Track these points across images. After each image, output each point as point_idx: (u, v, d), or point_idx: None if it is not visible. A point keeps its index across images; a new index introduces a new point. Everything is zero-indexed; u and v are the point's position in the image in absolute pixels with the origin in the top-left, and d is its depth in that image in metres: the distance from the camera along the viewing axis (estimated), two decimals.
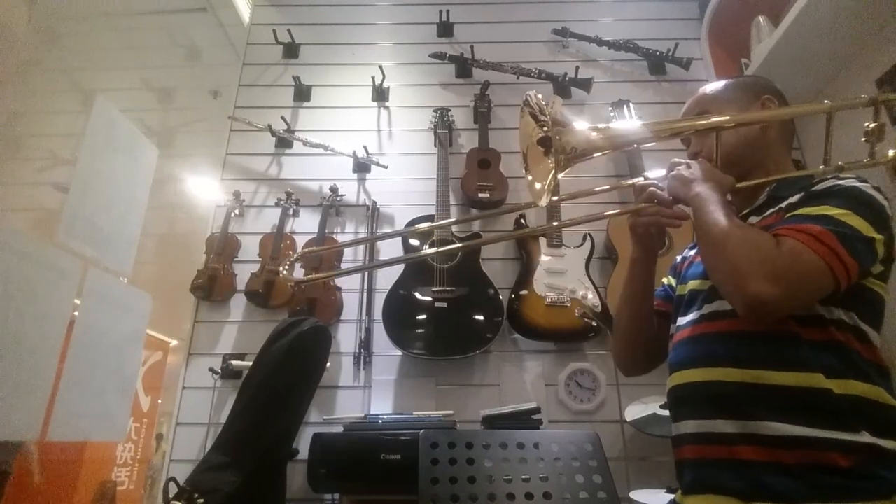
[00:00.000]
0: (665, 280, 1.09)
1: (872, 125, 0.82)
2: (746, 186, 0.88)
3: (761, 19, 2.03)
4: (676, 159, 0.92)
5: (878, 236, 0.74)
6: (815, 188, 0.81)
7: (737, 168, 0.90)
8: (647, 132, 0.90)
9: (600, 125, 0.86)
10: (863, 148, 0.86)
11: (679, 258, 1.07)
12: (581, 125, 0.84)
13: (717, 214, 0.78)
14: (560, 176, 0.80)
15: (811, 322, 0.75)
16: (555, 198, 0.86)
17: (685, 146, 1.02)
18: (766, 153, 0.92)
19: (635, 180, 0.96)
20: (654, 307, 1.04)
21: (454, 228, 2.03)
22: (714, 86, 1.00)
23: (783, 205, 0.84)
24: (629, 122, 0.94)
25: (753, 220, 0.88)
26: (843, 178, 0.80)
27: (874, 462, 0.69)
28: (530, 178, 0.87)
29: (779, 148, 0.94)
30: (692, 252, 1.01)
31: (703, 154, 0.93)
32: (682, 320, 0.92)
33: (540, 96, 0.85)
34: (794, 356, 0.74)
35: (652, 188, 0.91)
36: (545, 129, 0.80)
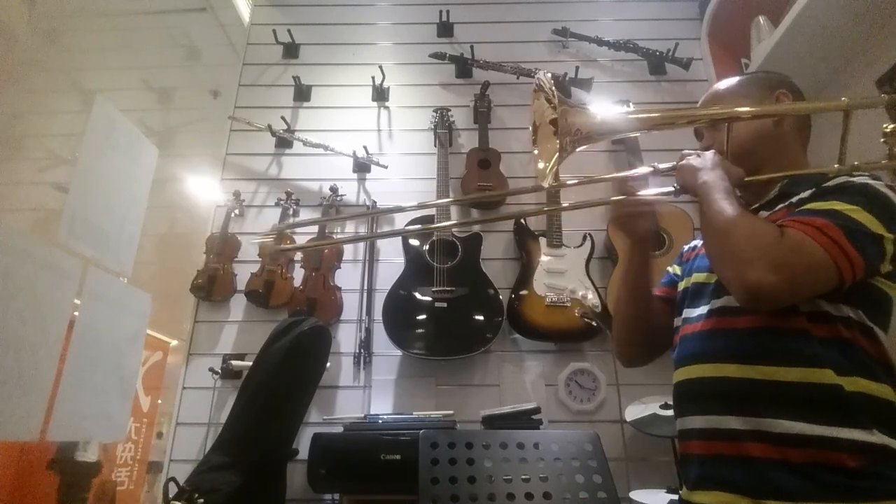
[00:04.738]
0: (670, 268, 1.09)
1: (892, 126, 0.81)
2: (757, 180, 0.87)
3: (761, 19, 2.03)
4: (687, 150, 0.91)
5: (887, 234, 0.72)
6: (826, 185, 0.80)
7: (748, 161, 0.88)
8: (657, 119, 0.90)
9: (611, 109, 0.86)
10: (866, 149, 0.85)
11: (686, 248, 1.07)
12: (591, 108, 0.84)
13: (723, 203, 0.77)
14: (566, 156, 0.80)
15: (819, 319, 0.75)
16: (566, 178, 0.87)
17: (698, 140, 1.02)
18: (779, 148, 0.91)
19: (632, 172, 0.97)
20: (654, 293, 1.04)
21: (454, 228, 2.03)
22: (728, 82, 1.00)
23: (793, 200, 0.83)
24: (641, 109, 0.94)
25: (763, 214, 0.87)
26: (855, 176, 0.79)
27: (881, 463, 0.68)
28: (536, 152, 0.88)
29: (794, 144, 0.93)
30: (698, 243, 1.01)
31: (715, 147, 0.92)
32: (688, 314, 0.91)
33: (549, 75, 0.86)
34: (805, 352, 0.74)
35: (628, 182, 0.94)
36: (553, 108, 0.80)
